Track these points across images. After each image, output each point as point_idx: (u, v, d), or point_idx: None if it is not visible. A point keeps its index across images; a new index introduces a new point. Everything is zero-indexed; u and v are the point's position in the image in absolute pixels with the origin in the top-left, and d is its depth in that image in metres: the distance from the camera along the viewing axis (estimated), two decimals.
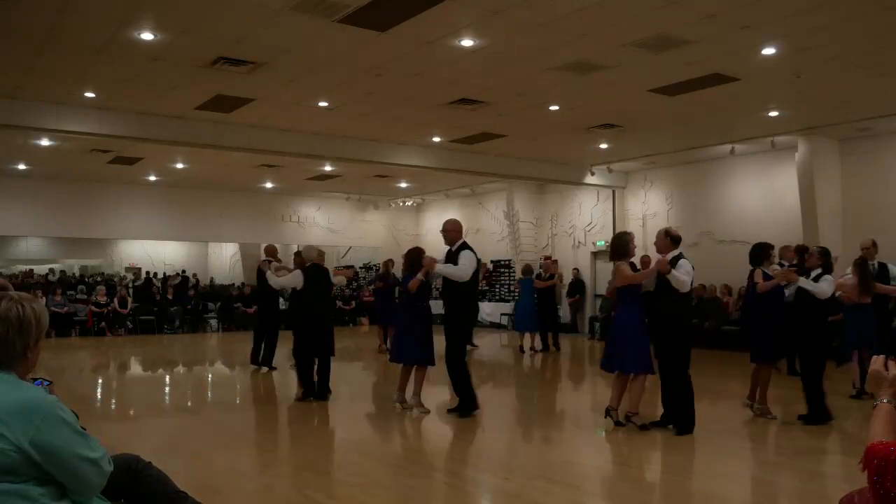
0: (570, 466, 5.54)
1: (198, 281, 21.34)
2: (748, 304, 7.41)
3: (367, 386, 10.36)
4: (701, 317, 13.23)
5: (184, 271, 22.11)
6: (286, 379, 9.61)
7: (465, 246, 7.11)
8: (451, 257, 7.08)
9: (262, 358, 10.45)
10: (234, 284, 20.98)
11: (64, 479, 2.05)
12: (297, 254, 8.82)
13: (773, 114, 11.22)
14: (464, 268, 6.93)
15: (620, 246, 6.58)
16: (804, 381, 6.81)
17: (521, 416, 7.40)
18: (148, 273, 21.48)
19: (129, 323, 17.48)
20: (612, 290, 6.80)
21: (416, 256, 7.36)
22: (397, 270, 11.64)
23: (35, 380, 2.36)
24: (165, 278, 20.26)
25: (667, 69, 8.88)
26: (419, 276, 7.17)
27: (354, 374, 11.40)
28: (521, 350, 13.74)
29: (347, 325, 20.19)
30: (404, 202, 22.22)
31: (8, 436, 1.96)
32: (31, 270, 21.12)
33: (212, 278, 23.03)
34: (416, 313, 7.31)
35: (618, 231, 7.34)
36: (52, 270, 21.14)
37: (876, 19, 7.30)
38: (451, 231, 7.24)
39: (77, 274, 22.74)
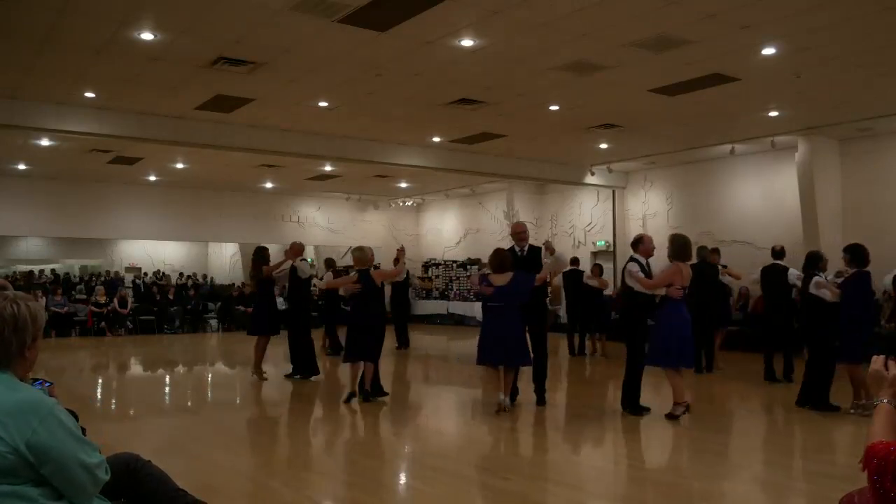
0: (570, 466, 5.54)
1: (201, 279, 21.34)
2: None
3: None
4: None
5: (181, 274, 22.07)
6: (284, 380, 9.60)
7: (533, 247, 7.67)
8: (531, 257, 7.46)
9: (308, 366, 9.64)
10: (234, 284, 20.96)
11: (58, 483, 2.04)
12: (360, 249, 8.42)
13: (773, 114, 11.22)
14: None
15: (689, 247, 7.01)
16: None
17: (520, 416, 7.39)
18: (148, 280, 21.37)
19: (129, 323, 17.48)
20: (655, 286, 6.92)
21: (505, 257, 7.19)
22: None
23: (35, 380, 2.35)
24: (164, 285, 20.19)
25: (667, 69, 8.88)
26: (546, 269, 7.23)
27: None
28: None
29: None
30: (404, 202, 22.21)
31: (5, 437, 1.95)
32: (32, 272, 21.14)
33: (211, 278, 23.02)
34: (518, 315, 7.06)
35: (676, 234, 7.35)
36: (42, 272, 21.15)
37: (876, 19, 7.30)
38: (526, 233, 7.68)
39: (77, 275, 22.72)
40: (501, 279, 7.06)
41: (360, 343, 7.72)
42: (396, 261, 9.74)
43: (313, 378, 9.50)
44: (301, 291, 9.72)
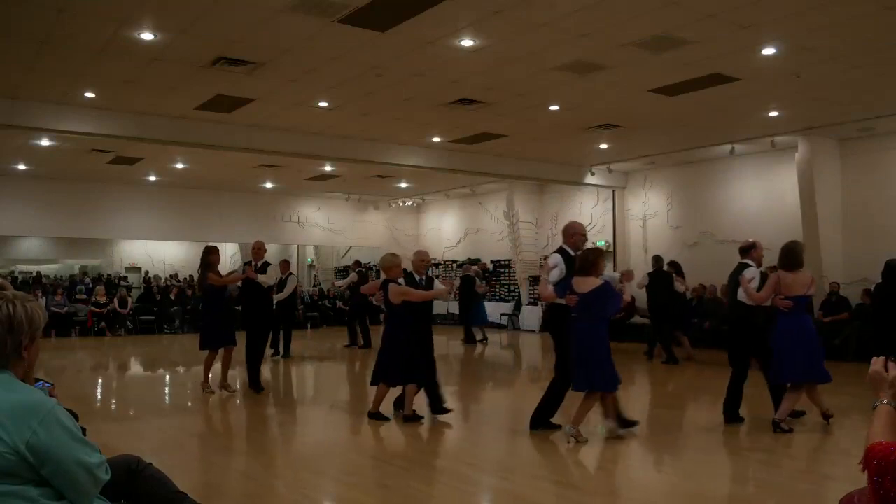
0: (570, 466, 5.54)
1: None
2: None
3: (368, 386, 10.35)
4: (701, 317, 13.23)
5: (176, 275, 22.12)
6: (285, 380, 9.60)
7: None
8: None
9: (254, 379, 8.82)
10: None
11: (58, 484, 2.04)
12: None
13: (773, 114, 11.22)
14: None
15: (796, 255, 6.45)
16: None
17: (520, 416, 7.38)
18: (150, 279, 21.37)
19: (129, 323, 17.48)
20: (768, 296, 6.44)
21: (592, 259, 5.99)
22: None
23: (36, 381, 2.35)
24: (167, 287, 20.20)
25: (667, 69, 8.88)
26: (626, 285, 6.38)
27: (355, 374, 11.41)
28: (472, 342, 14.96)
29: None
30: (404, 202, 22.22)
31: (5, 438, 1.95)
32: (39, 273, 21.22)
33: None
34: (603, 332, 6.00)
35: (793, 241, 6.68)
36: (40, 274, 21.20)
37: (876, 19, 7.30)
38: (586, 236, 6.73)
39: (77, 275, 22.76)
40: (585, 285, 5.87)
41: (382, 362, 6.89)
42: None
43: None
44: (260, 299, 8.80)
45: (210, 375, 8.68)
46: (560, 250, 6.45)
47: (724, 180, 14.89)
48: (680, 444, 6.13)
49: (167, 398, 9.27)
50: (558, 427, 6.28)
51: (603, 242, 17.42)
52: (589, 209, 17.87)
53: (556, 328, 6.39)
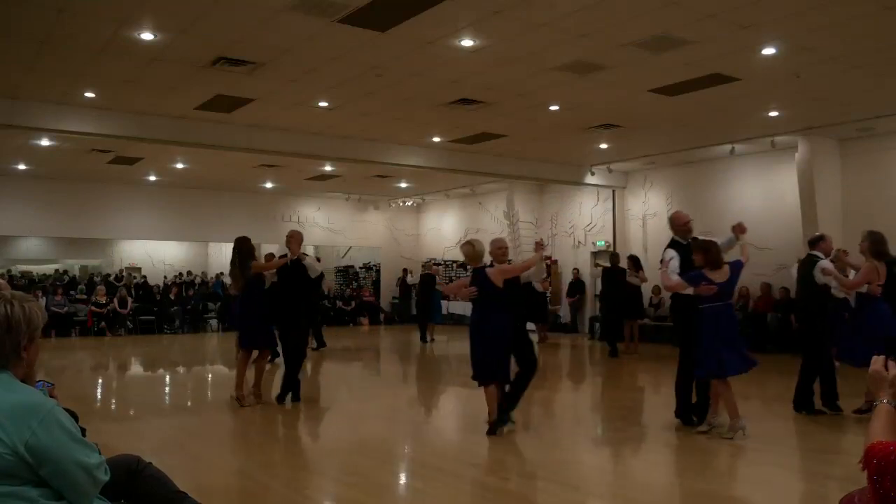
0: (570, 466, 5.54)
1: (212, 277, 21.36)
2: None
3: (368, 386, 10.36)
4: None
5: (179, 274, 22.12)
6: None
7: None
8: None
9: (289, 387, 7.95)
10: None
11: (57, 484, 2.03)
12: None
13: (773, 114, 11.22)
14: None
15: (887, 245, 6.86)
16: None
17: (521, 416, 7.39)
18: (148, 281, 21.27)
19: (129, 323, 17.48)
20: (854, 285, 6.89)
21: (719, 250, 6.25)
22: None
23: (37, 381, 2.35)
24: (167, 286, 20.18)
25: (667, 69, 8.88)
26: (744, 240, 6.49)
27: (354, 375, 11.41)
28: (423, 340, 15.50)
29: (348, 325, 20.21)
30: (404, 202, 22.22)
31: (4, 439, 1.95)
32: (57, 270, 21.18)
33: (211, 278, 23.02)
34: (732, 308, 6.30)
35: (873, 231, 7.06)
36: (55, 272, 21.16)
37: (876, 19, 7.30)
38: (690, 224, 6.89)
39: (77, 274, 22.74)
40: (721, 275, 6.12)
41: (484, 359, 6.31)
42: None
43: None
44: (306, 293, 7.94)
45: (244, 383, 7.89)
46: (672, 243, 6.69)
47: (724, 180, 14.89)
48: (679, 444, 6.13)
49: (167, 398, 9.27)
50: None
51: (603, 242, 17.42)
52: (589, 209, 17.86)
53: (684, 319, 6.49)
